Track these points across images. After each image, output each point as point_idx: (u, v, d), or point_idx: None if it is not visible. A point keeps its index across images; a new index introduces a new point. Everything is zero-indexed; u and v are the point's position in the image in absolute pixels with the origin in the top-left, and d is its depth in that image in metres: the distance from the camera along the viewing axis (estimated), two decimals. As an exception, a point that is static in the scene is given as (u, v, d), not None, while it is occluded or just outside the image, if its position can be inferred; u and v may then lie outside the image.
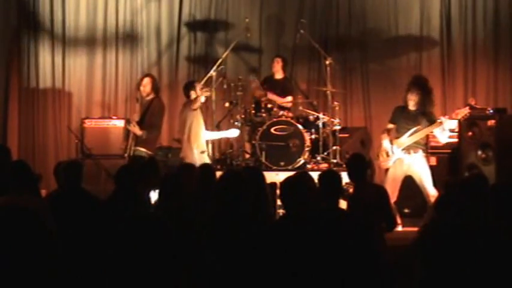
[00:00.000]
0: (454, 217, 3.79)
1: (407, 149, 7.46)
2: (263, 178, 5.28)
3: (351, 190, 5.83)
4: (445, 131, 7.48)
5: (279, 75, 9.30)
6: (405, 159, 7.46)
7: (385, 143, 7.61)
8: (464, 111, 7.76)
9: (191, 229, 4.15)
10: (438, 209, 4.30)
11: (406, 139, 7.46)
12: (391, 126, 7.70)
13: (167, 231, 2.43)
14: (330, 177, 4.83)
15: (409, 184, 7.65)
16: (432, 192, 7.28)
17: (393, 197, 7.23)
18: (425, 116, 7.49)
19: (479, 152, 8.18)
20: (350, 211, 5.29)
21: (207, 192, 5.21)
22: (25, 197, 4.62)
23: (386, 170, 7.64)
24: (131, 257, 2.37)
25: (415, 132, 7.42)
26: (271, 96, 8.88)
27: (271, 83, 9.12)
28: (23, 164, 5.04)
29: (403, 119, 7.56)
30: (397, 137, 7.54)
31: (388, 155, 7.56)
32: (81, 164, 6.26)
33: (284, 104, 9.03)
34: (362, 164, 5.70)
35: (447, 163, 8.72)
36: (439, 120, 7.42)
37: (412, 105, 7.51)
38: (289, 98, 9.17)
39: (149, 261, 2.37)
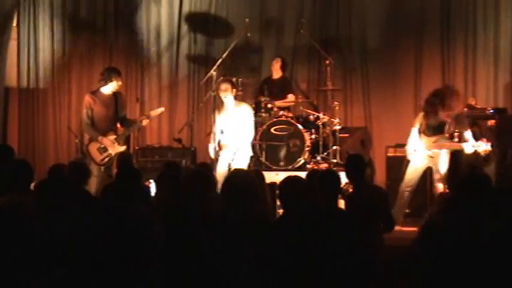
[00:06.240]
0: (455, 216, 3.79)
1: (435, 143, 7.41)
2: (263, 178, 5.30)
3: (350, 190, 5.82)
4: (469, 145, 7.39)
5: (277, 74, 9.32)
6: (431, 153, 7.44)
7: (412, 137, 7.50)
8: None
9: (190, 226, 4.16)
10: (442, 209, 4.29)
11: (432, 139, 7.42)
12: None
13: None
14: (329, 177, 4.83)
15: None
16: (442, 189, 7.29)
17: (409, 185, 7.39)
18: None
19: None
20: (347, 211, 5.29)
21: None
22: (26, 196, 4.60)
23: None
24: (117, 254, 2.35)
25: (439, 141, 7.39)
26: (273, 103, 8.81)
27: (269, 84, 9.09)
28: (25, 163, 4.99)
29: (428, 124, 7.48)
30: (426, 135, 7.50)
31: (414, 150, 7.52)
32: (86, 165, 6.26)
33: (285, 104, 9.02)
34: (360, 165, 5.67)
35: (447, 163, 8.70)
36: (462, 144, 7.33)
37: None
38: (291, 97, 9.17)
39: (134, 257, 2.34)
